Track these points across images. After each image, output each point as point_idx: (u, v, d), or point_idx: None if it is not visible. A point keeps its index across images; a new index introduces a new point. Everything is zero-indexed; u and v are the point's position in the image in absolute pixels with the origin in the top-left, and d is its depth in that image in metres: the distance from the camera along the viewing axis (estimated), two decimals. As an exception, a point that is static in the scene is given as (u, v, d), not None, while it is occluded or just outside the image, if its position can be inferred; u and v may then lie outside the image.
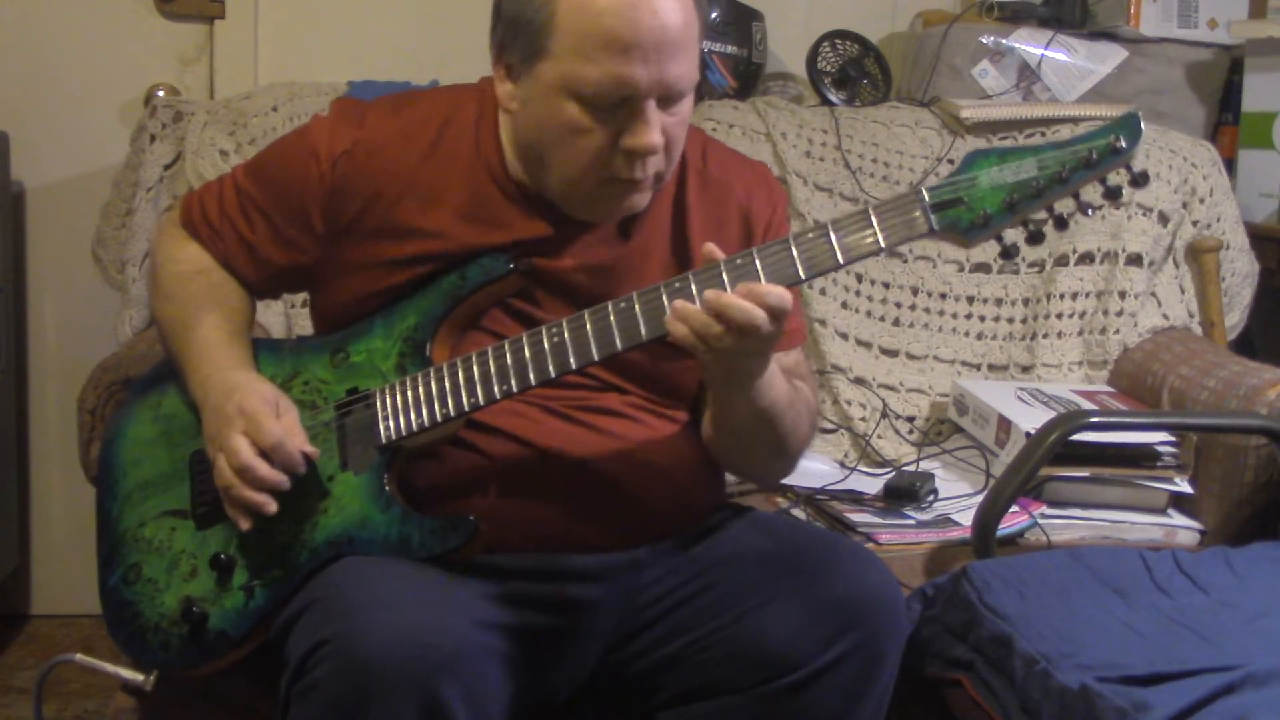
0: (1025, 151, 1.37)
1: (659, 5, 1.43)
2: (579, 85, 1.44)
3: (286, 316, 2.34)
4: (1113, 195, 1.39)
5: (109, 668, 1.61)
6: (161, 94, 2.68)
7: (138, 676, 1.60)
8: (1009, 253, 1.41)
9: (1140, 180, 1.38)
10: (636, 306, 1.44)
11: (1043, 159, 1.36)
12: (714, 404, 1.57)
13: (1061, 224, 1.39)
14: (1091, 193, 1.39)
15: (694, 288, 1.41)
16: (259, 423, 1.48)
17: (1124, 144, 1.36)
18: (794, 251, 1.40)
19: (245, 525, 1.50)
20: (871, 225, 1.38)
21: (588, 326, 1.45)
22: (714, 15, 2.59)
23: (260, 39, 2.74)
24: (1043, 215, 1.39)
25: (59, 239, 2.77)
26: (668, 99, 1.47)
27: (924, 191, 1.38)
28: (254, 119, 2.40)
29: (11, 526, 2.80)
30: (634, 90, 1.43)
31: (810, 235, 1.40)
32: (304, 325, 2.30)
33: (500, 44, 1.51)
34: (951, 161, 2.51)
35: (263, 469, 1.47)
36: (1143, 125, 1.38)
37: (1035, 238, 1.39)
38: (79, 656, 1.64)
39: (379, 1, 2.77)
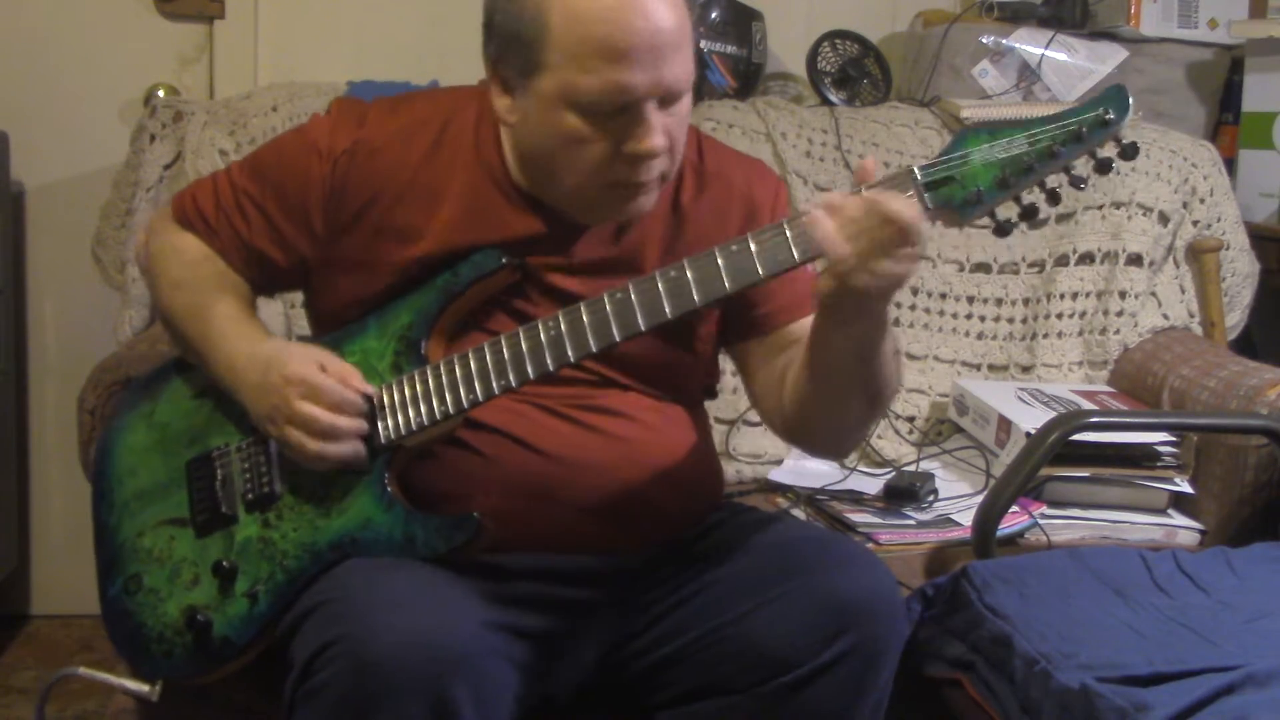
0: (1015, 128, 1.38)
1: (650, 8, 1.42)
2: (577, 95, 1.43)
3: (286, 317, 2.34)
4: (1103, 169, 1.39)
5: (113, 680, 1.59)
6: (161, 94, 2.68)
7: (143, 687, 1.58)
8: (1003, 229, 1.40)
9: (1130, 152, 1.38)
10: (633, 296, 1.44)
11: (1033, 135, 1.37)
12: (817, 342, 1.46)
13: (1054, 199, 1.39)
14: (1083, 167, 1.39)
15: (689, 275, 1.41)
16: (314, 384, 1.48)
17: (1112, 116, 1.37)
18: (788, 234, 1.39)
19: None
20: None
21: (584, 318, 1.45)
22: (714, 15, 2.59)
23: (260, 39, 2.73)
24: (1035, 191, 1.39)
25: (59, 239, 2.76)
26: (667, 100, 1.46)
27: (917, 171, 1.38)
28: (254, 119, 2.40)
29: (11, 526, 2.80)
30: (633, 96, 1.43)
31: (804, 219, 1.38)
32: (303, 325, 2.29)
33: (495, 59, 1.50)
34: (951, 161, 2.51)
35: (344, 422, 1.48)
36: (1130, 99, 1.38)
37: (1028, 213, 1.39)
38: (82, 670, 1.61)
39: (379, 1, 2.76)
